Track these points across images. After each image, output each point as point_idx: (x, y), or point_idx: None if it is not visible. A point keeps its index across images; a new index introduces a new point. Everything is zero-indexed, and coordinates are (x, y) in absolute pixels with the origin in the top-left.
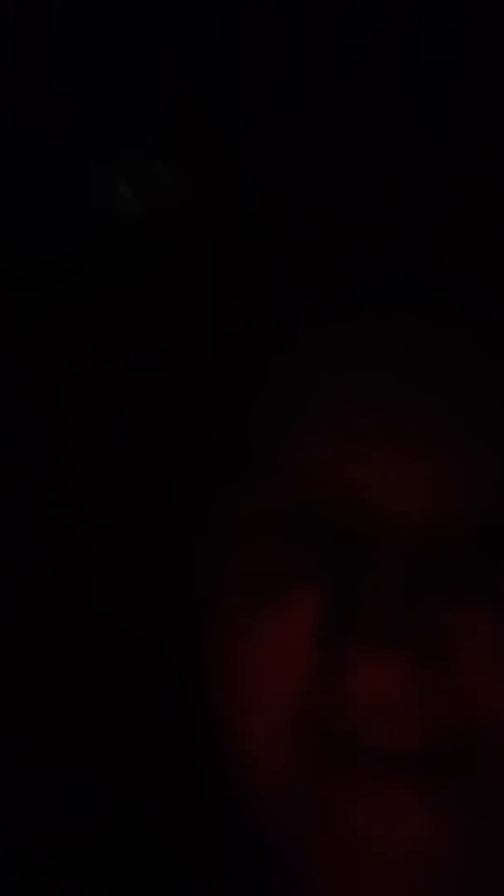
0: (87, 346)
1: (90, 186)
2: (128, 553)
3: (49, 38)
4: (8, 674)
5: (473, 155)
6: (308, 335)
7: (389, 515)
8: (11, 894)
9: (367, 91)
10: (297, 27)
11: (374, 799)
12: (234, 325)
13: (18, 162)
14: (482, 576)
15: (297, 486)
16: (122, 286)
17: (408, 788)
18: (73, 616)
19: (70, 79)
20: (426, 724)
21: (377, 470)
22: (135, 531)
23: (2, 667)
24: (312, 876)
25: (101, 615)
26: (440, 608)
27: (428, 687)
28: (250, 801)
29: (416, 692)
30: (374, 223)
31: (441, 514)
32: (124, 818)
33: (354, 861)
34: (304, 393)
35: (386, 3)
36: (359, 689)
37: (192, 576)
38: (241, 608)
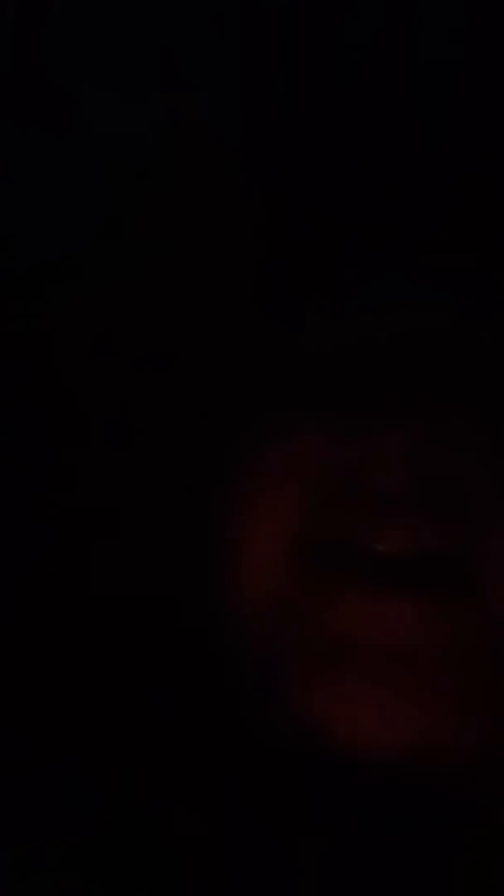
0: (89, 337)
1: (89, 183)
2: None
3: (49, 33)
4: (8, 671)
5: (473, 155)
6: (308, 333)
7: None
8: (11, 894)
9: (367, 90)
10: (298, 26)
11: (367, 600)
12: (235, 319)
13: (17, 161)
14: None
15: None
16: (122, 283)
17: (401, 593)
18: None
19: (68, 77)
20: (425, 532)
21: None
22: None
23: (3, 661)
24: (300, 677)
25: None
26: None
27: (430, 494)
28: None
29: (419, 497)
30: (373, 223)
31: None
32: (124, 818)
33: (342, 659)
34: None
35: (386, 3)
36: (365, 492)
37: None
38: (255, 437)
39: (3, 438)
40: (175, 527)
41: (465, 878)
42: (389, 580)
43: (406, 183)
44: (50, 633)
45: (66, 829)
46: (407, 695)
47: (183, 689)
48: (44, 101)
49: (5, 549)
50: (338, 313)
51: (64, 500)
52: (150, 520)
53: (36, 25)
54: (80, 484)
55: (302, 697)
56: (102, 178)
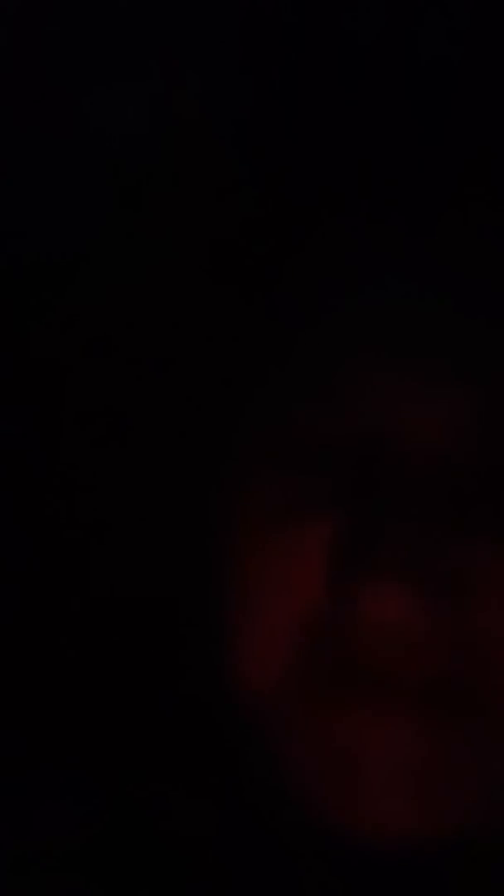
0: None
1: (88, 182)
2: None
3: (49, 31)
4: (8, 671)
5: (473, 154)
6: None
7: (408, 447)
8: (11, 894)
9: (366, 87)
10: (298, 22)
11: (371, 721)
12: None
13: (15, 159)
14: (497, 513)
15: (318, 416)
16: (121, 282)
17: (406, 715)
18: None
19: (68, 75)
20: (432, 656)
21: (397, 400)
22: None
23: (3, 661)
24: (302, 791)
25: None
26: (455, 543)
27: (437, 620)
28: (247, 721)
29: (425, 624)
30: (373, 221)
31: (458, 447)
32: (124, 818)
33: (344, 778)
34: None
35: (386, 3)
36: (368, 616)
37: (207, 517)
38: (256, 532)
39: (2, 440)
40: (175, 535)
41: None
42: (397, 702)
43: (406, 182)
44: (50, 634)
45: (66, 829)
46: (412, 795)
47: (183, 689)
48: (43, 99)
49: (5, 550)
50: (339, 312)
51: (62, 503)
52: (148, 526)
53: (36, 23)
54: (79, 487)
55: (306, 786)
56: (101, 176)
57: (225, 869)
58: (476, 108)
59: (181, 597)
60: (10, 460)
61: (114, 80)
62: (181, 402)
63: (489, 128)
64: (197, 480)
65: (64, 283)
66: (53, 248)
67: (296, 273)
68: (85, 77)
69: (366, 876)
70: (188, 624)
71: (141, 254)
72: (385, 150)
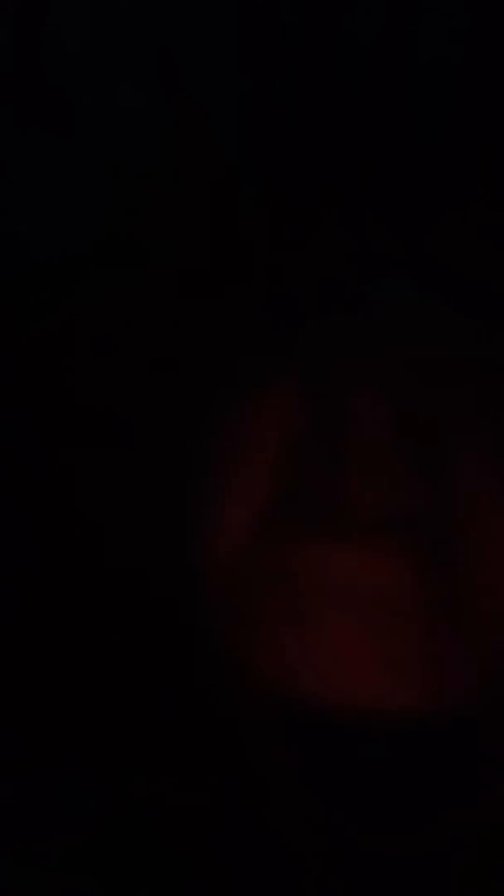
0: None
1: (88, 181)
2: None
3: (49, 27)
4: (8, 670)
5: (473, 154)
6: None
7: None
8: (11, 894)
9: (367, 89)
10: (299, 26)
11: (346, 549)
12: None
13: (15, 157)
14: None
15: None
16: (121, 282)
17: (380, 546)
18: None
19: (68, 73)
20: (409, 491)
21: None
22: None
23: (3, 661)
24: (273, 661)
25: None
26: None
27: (416, 458)
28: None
29: (403, 459)
30: (371, 219)
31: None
32: (124, 818)
33: (318, 643)
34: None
35: (386, 3)
36: (347, 446)
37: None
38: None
39: (2, 440)
40: (174, 530)
41: (464, 878)
42: (364, 537)
43: (406, 182)
44: (49, 633)
45: (66, 828)
46: (380, 648)
47: (182, 687)
48: (43, 98)
49: (4, 549)
50: (337, 311)
51: (62, 503)
52: (148, 525)
53: (36, 23)
54: (79, 487)
55: (271, 659)
56: (101, 176)
57: (225, 869)
58: (476, 108)
59: (181, 594)
60: (10, 460)
61: (114, 79)
62: (181, 401)
63: (489, 128)
64: (196, 477)
65: (64, 283)
66: (54, 248)
67: (296, 273)
68: (85, 77)
69: (366, 875)
70: (187, 617)
71: (141, 254)
72: (385, 149)
